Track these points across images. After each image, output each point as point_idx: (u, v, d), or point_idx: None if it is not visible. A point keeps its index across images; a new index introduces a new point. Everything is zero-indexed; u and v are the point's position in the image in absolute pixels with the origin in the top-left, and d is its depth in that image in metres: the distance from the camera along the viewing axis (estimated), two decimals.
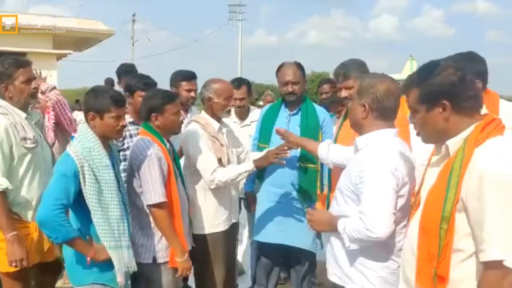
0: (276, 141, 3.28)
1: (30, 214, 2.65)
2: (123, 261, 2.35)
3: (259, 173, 3.37)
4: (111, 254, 2.30)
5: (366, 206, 1.95)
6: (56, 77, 9.55)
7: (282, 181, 3.30)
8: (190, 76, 3.51)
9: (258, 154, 3.18)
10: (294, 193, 3.30)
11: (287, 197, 3.31)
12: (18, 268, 2.54)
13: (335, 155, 2.60)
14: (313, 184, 3.30)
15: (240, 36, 40.70)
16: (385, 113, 2.07)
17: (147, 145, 2.57)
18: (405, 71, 12.58)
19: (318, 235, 3.29)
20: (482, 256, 1.49)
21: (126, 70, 4.18)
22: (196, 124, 3.09)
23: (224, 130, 3.22)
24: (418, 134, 1.80)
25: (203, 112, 3.20)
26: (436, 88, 1.66)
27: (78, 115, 7.85)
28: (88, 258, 2.29)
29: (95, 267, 2.32)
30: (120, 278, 2.32)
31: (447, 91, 1.64)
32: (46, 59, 9.50)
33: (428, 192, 1.70)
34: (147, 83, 3.12)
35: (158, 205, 2.52)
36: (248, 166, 2.94)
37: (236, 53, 40.86)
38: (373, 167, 1.97)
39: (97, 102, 2.34)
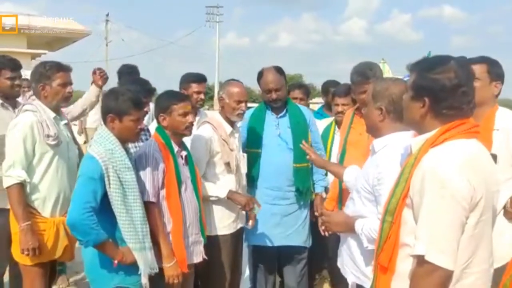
0: (268, 145, 3.32)
1: (48, 210, 2.71)
2: (147, 262, 2.34)
3: (250, 178, 3.38)
4: (137, 256, 2.29)
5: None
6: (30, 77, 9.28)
7: (279, 183, 3.34)
8: (200, 78, 3.49)
9: None
10: (291, 194, 3.36)
11: (284, 199, 3.36)
12: (31, 257, 2.59)
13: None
14: (307, 182, 3.38)
15: (218, 37, 40.58)
16: (401, 115, 2.11)
17: (147, 144, 2.60)
18: None
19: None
20: (412, 250, 1.55)
21: (128, 71, 4.12)
22: (208, 125, 3.08)
23: (236, 135, 3.23)
24: None
25: (216, 113, 3.19)
26: (426, 82, 1.64)
27: None
28: (115, 261, 2.26)
29: (120, 270, 2.30)
30: (145, 280, 2.30)
31: (433, 91, 1.62)
32: (21, 59, 9.21)
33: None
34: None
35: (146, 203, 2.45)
36: (221, 193, 2.98)
37: (213, 55, 40.72)
38: (391, 168, 1.99)
39: (117, 104, 2.32)
